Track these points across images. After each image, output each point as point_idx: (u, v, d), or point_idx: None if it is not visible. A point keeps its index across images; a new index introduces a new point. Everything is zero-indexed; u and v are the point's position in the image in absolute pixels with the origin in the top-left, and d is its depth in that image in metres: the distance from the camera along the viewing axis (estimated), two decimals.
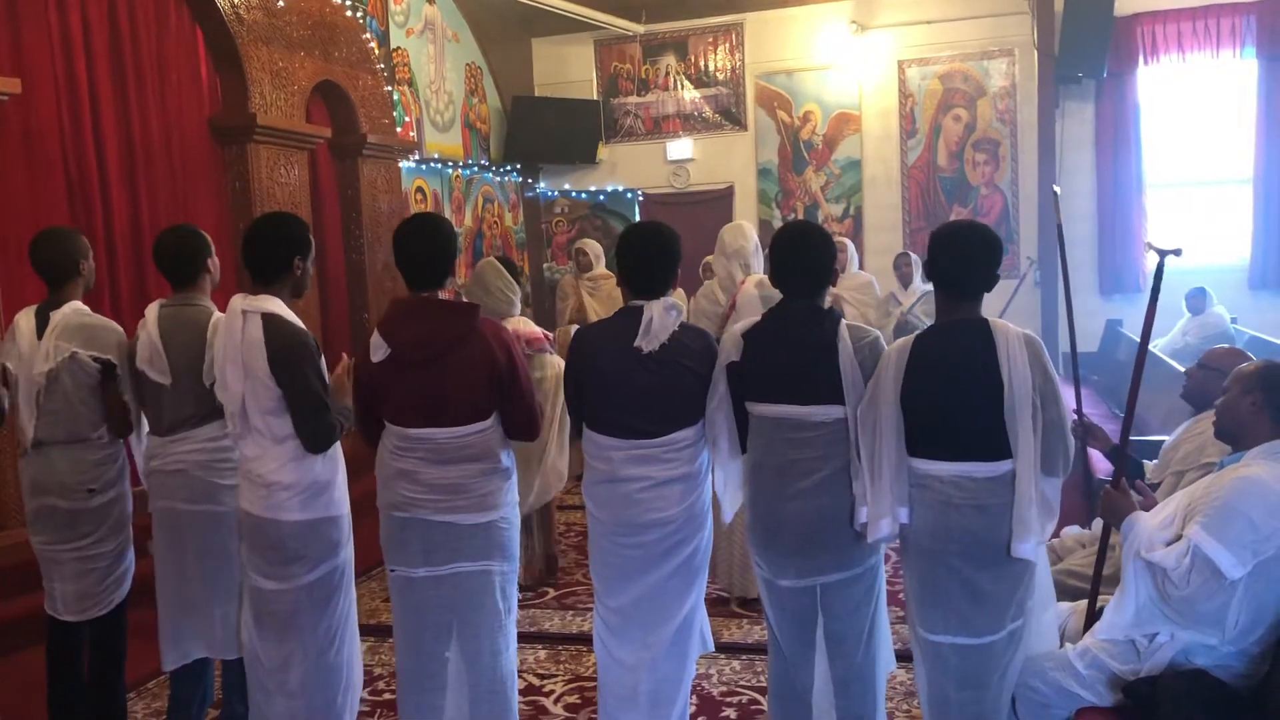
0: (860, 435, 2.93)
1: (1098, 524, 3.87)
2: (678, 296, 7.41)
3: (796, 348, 3.02)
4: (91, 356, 3.51)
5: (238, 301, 3.13)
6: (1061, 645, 3.01)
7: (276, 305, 3.14)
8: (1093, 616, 3.04)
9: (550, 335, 5.39)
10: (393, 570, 3.19)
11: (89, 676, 3.67)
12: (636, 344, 3.07)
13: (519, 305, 5.11)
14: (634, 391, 3.11)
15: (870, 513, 2.90)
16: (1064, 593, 3.39)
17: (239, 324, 3.09)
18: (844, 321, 3.03)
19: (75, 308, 3.57)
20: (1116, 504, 2.95)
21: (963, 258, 2.84)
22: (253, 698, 3.29)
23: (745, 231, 4.96)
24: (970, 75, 10.38)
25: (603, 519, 3.24)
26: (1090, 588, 3.14)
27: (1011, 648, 2.84)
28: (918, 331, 2.94)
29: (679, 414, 3.15)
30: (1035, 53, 9.93)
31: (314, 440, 3.11)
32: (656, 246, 3.19)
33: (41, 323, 3.54)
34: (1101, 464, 4.30)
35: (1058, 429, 2.78)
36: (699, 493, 3.21)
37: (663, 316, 3.09)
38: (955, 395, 2.78)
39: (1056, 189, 4.50)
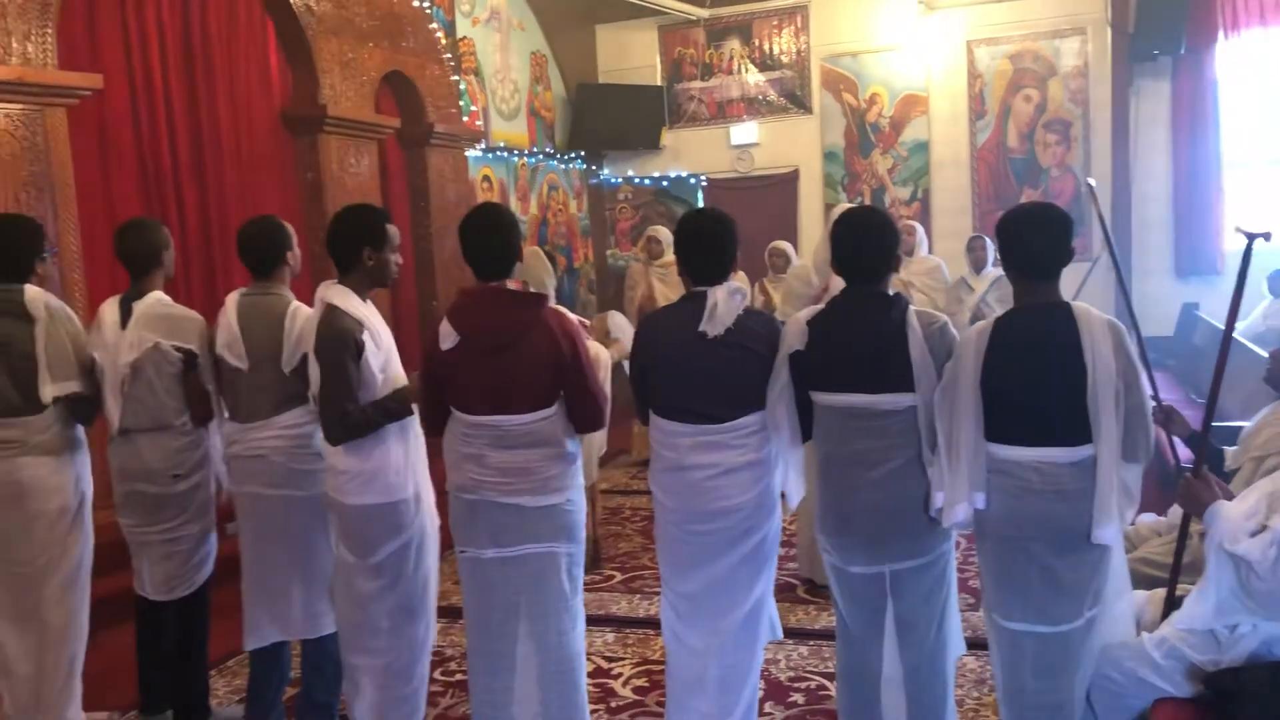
0: (937, 419, 2.90)
1: (1173, 512, 3.80)
2: (740, 280, 7.39)
3: (863, 335, 2.99)
4: (174, 346, 3.61)
5: (319, 290, 3.28)
6: (1137, 635, 2.96)
7: (341, 297, 3.24)
8: (1171, 605, 2.99)
9: (587, 322, 5.43)
10: (462, 551, 3.24)
11: (174, 654, 3.79)
12: (701, 328, 3.08)
13: (552, 296, 5.16)
14: (700, 376, 3.12)
15: (946, 498, 2.87)
16: (1139, 581, 3.33)
17: (317, 312, 3.26)
18: (911, 307, 3.00)
19: (157, 298, 3.67)
20: (1198, 492, 2.88)
21: (1034, 237, 2.81)
22: (344, 663, 3.44)
23: None
24: (1041, 55, 10.18)
25: (670, 506, 3.24)
26: (1169, 576, 3.08)
27: (1089, 636, 2.80)
28: (994, 317, 2.90)
29: (746, 398, 3.14)
30: (1109, 30, 9.71)
31: (324, 430, 3.25)
32: (713, 233, 3.19)
33: (125, 313, 3.65)
34: (1180, 451, 4.21)
35: (1139, 415, 2.74)
36: (767, 480, 3.20)
37: (727, 301, 3.09)
38: (1037, 379, 2.74)
39: (1091, 181, 4.45)
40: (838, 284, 4.56)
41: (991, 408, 2.80)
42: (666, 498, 3.25)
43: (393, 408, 3.27)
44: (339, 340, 3.19)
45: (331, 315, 3.21)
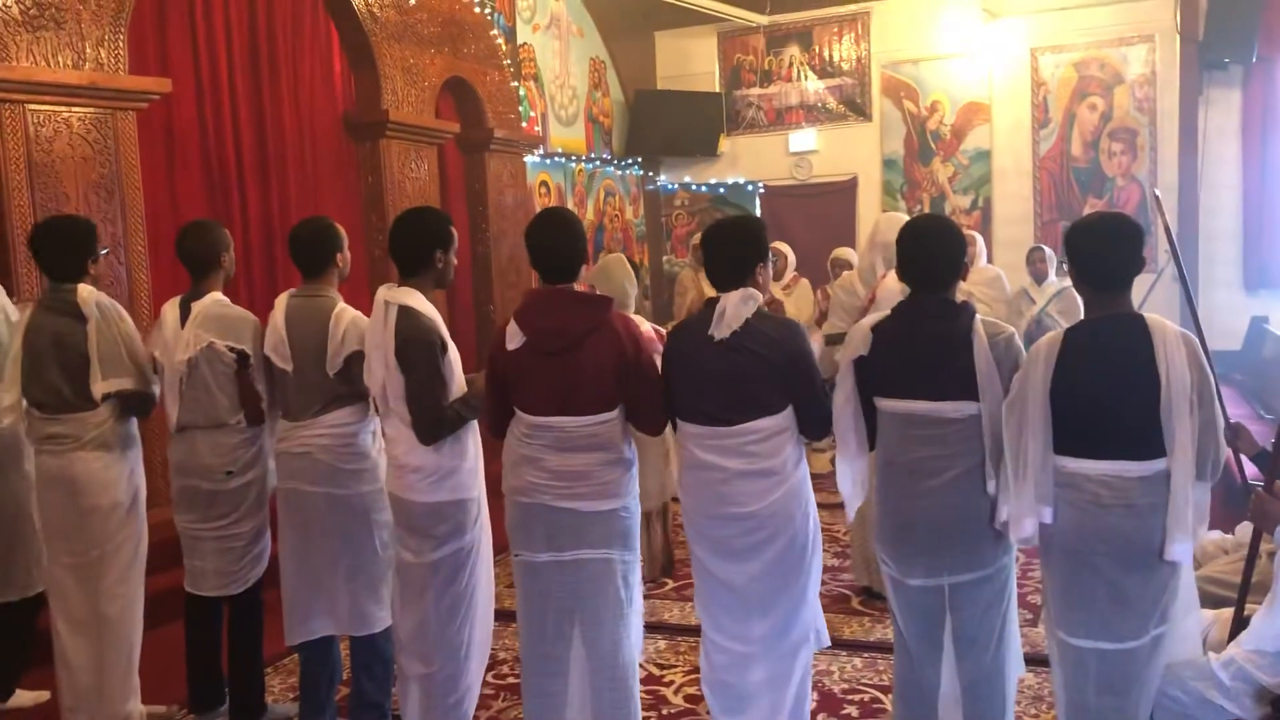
0: (1004, 432, 2.85)
1: (1240, 529, 3.72)
2: (801, 288, 7.34)
3: (928, 343, 2.96)
4: (227, 346, 3.67)
5: (382, 292, 3.28)
6: (1203, 654, 2.88)
7: (414, 298, 3.26)
8: (1239, 625, 2.91)
9: (662, 331, 5.43)
10: (517, 555, 3.25)
11: (228, 651, 3.85)
12: (709, 331, 3.11)
13: (633, 305, 5.17)
14: (707, 377, 3.14)
15: (1012, 512, 2.82)
16: (1205, 600, 3.25)
17: (382, 314, 3.24)
18: (978, 316, 2.97)
19: (215, 298, 3.74)
20: (1269, 509, 2.80)
21: (1106, 248, 2.75)
22: (397, 661, 3.48)
23: (900, 224, 4.85)
24: (1107, 63, 10.01)
25: (689, 507, 3.27)
26: (1238, 595, 3.00)
27: (1154, 654, 2.73)
28: (1064, 328, 2.85)
29: (751, 402, 3.12)
30: (1178, 38, 9.53)
31: (421, 431, 3.23)
32: (726, 241, 3.21)
33: (184, 313, 3.72)
34: (1247, 468, 4.11)
35: (1211, 430, 2.67)
36: (785, 489, 3.15)
37: (737, 306, 3.11)
38: (1109, 392, 2.68)
39: (1158, 192, 4.36)
40: (884, 293, 4.55)
41: (1061, 420, 2.74)
42: (687, 498, 3.28)
43: (474, 403, 3.31)
44: (426, 340, 3.21)
45: (411, 317, 3.22)
